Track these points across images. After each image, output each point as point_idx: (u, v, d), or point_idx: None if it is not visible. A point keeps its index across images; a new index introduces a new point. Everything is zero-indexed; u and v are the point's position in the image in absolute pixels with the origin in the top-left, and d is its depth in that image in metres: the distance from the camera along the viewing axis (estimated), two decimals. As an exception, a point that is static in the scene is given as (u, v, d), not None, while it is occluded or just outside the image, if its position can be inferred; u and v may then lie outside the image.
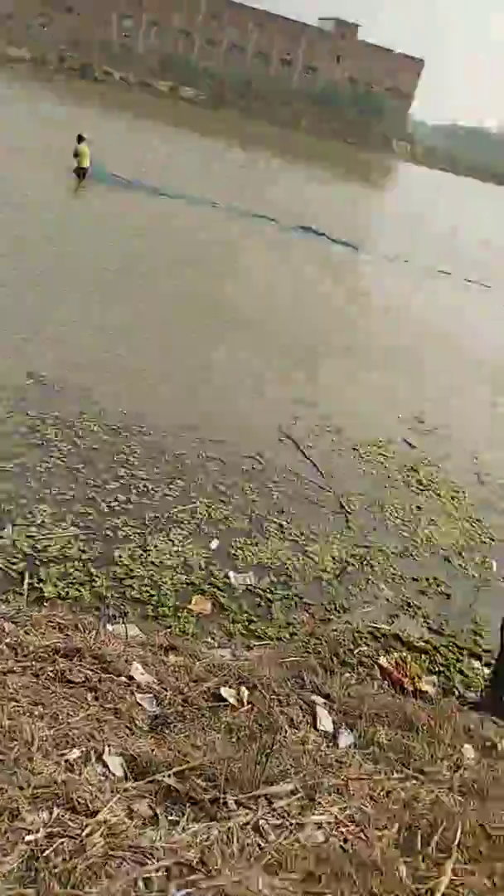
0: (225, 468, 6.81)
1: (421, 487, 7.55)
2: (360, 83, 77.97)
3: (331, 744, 3.72)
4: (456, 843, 2.91)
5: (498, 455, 8.97)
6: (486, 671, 4.84)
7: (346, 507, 6.74)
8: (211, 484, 6.48)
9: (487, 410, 10.67)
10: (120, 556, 5.21)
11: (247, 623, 4.96)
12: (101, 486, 5.98)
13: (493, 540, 6.93)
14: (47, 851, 1.97)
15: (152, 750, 2.97)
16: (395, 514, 6.89)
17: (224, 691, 3.92)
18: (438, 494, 7.49)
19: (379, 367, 11.06)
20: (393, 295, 16.59)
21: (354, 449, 8.00)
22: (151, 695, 3.58)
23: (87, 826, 2.15)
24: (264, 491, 6.63)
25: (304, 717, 3.91)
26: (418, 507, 7.11)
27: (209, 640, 4.75)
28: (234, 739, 3.43)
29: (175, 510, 5.92)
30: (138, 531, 5.54)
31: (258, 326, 11.29)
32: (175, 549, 5.46)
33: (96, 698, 3.25)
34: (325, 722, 3.94)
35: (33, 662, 3.42)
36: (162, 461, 6.63)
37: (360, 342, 12.11)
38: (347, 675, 4.55)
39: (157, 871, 2.16)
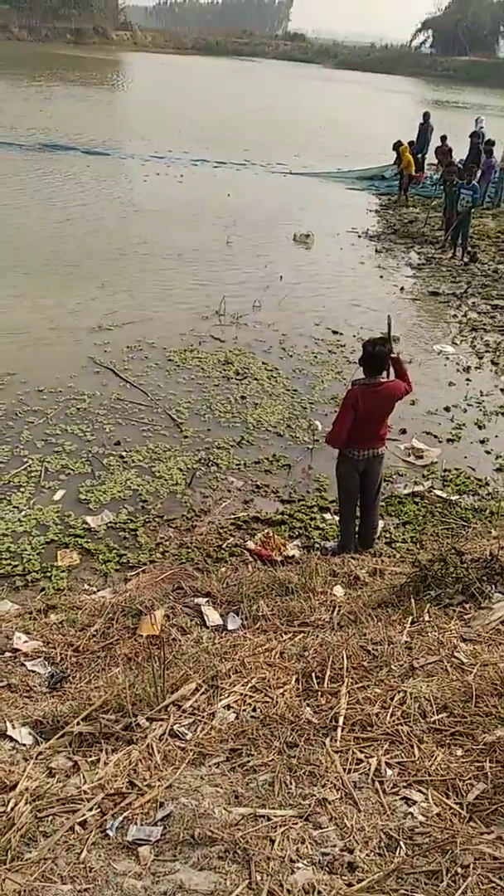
0: (48, 417, 6.61)
1: (239, 377, 7.81)
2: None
3: (223, 633, 4.00)
4: (345, 669, 3.32)
5: (292, 326, 9.39)
6: (336, 519, 5.31)
7: (177, 419, 6.84)
8: (39, 437, 6.29)
9: (281, 289, 10.99)
10: (-33, 540, 5.02)
11: (118, 558, 5.03)
12: None
13: (312, 404, 7.42)
14: (-25, 838, 2.02)
15: (56, 707, 3.05)
16: (224, 409, 7.11)
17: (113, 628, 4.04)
18: (256, 379, 7.80)
19: (166, 270, 10.96)
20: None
21: (170, 360, 8.04)
22: (41, 658, 3.62)
23: (9, 801, 2.22)
24: (95, 427, 6.55)
25: (192, 620, 4.15)
26: (242, 397, 7.38)
27: (86, 587, 4.78)
28: (133, 667, 3.59)
29: (9, 476, 5.72)
30: (-22, 510, 5.34)
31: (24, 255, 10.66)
32: (22, 513, 5.33)
33: (-15, 684, 3.24)
34: (213, 616, 4.20)
35: None
36: (-21, 430, 6.34)
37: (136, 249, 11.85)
38: (223, 569, 4.82)
39: (90, 811, 2.29)
